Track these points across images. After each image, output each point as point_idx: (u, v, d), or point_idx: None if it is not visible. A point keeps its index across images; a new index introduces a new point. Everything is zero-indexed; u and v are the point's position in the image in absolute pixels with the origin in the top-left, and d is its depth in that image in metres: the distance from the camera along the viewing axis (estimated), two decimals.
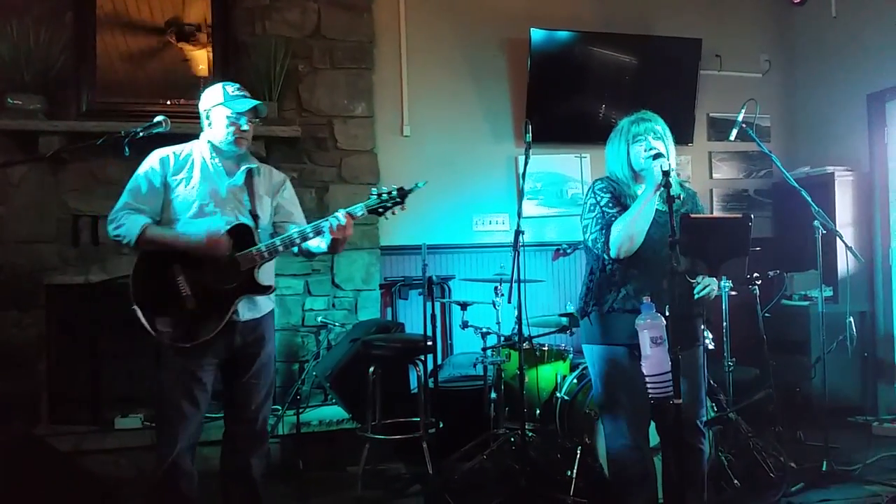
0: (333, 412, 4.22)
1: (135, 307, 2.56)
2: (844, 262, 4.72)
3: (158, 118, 2.59)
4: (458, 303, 4.10)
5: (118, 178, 4.11)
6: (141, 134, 2.58)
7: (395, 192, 2.73)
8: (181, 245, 2.60)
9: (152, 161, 2.71)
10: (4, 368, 3.99)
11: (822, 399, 3.87)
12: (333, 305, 4.61)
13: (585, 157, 5.26)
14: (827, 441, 3.70)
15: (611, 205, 2.65)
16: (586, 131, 5.19)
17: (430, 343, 3.76)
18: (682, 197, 2.68)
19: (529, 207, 5.07)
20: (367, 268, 4.64)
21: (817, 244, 3.80)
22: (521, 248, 3.44)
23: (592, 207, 2.68)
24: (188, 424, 2.64)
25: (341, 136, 4.67)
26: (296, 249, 2.80)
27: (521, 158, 3.59)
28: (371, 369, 3.75)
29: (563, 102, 5.06)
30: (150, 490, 2.68)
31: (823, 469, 3.63)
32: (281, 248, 2.69)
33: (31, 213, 4.11)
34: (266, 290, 2.73)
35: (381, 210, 2.73)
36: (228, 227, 2.64)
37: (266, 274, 2.75)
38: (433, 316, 3.73)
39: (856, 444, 4.05)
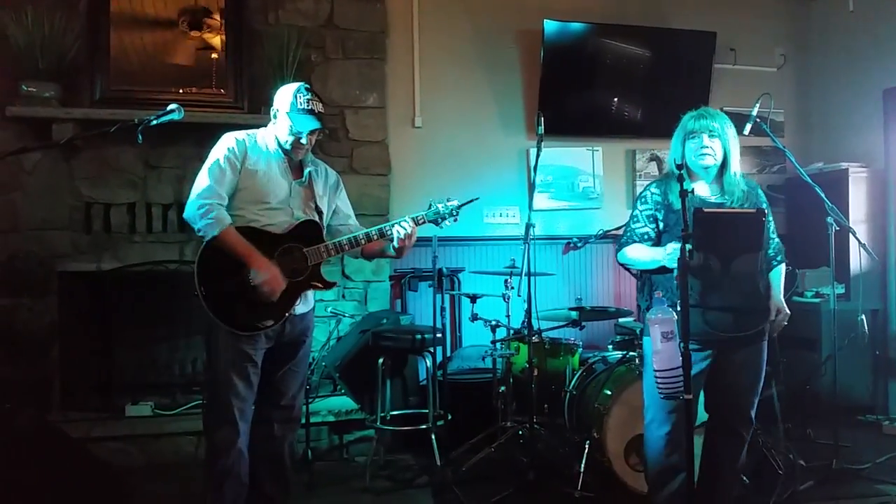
0: (342, 402, 4.24)
1: (197, 294, 2.57)
2: (857, 259, 4.70)
3: (172, 106, 2.58)
4: (467, 295, 4.10)
5: (131, 166, 4.21)
6: (154, 122, 2.57)
7: (453, 206, 2.91)
8: (249, 262, 2.60)
9: (231, 144, 2.71)
10: (17, 355, 4.02)
11: (832, 397, 3.86)
12: (343, 296, 4.61)
13: (598, 151, 5.24)
14: (837, 439, 3.68)
15: (642, 223, 2.79)
16: (599, 124, 5.19)
17: (439, 335, 3.77)
18: (744, 191, 2.76)
19: (540, 200, 5.05)
20: (376, 259, 4.63)
21: (830, 241, 3.77)
22: (532, 241, 3.44)
23: (631, 216, 2.87)
24: (245, 408, 2.68)
25: (353, 126, 4.67)
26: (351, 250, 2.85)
27: (533, 151, 3.60)
28: (380, 360, 3.76)
29: (575, 95, 5.05)
30: (210, 477, 2.65)
31: (833, 467, 3.62)
32: (347, 247, 2.78)
33: (45, 201, 4.13)
34: (330, 284, 2.83)
35: (438, 220, 2.91)
36: (298, 222, 2.74)
37: None
38: (443, 308, 3.74)
39: (866, 443, 4.03)
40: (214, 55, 4.50)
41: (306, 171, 2.83)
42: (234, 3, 4.45)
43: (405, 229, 2.76)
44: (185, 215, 2.68)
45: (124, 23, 4.31)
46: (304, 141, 2.73)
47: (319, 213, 2.83)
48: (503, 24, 5.09)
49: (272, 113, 2.78)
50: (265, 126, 2.84)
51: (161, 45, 4.42)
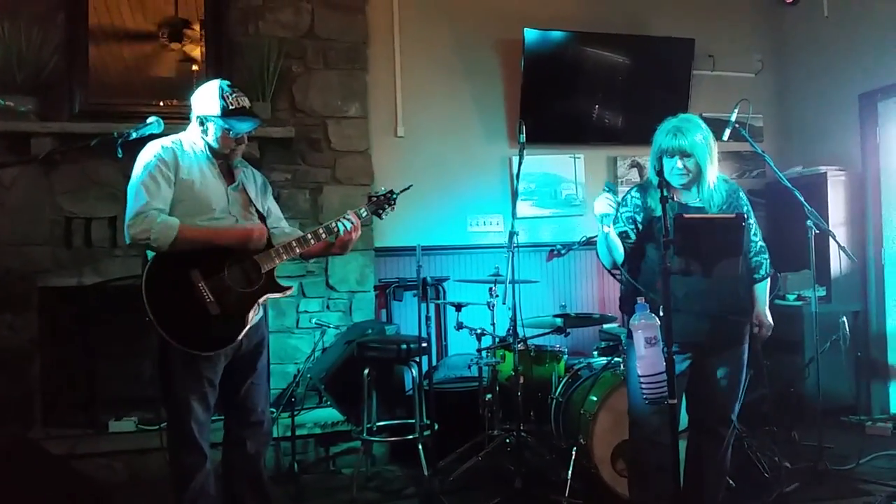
0: (328, 414, 4.21)
1: (150, 318, 2.46)
2: (837, 262, 4.78)
3: (151, 119, 2.56)
4: (452, 304, 4.10)
5: (111, 180, 4.17)
6: (134, 135, 2.55)
7: (390, 194, 2.92)
8: (222, 241, 2.55)
9: (158, 151, 2.58)
10: None
11: (815, 399, 3.88)
12: (328, 307, 4.60)
13: (579, 158, 5.27)
14: (821, 441, 3.71)
15: (621, 223, 2.81)
16: (580, 132, 5.22)
17: (424, 344, 3.76)
18: (723, 196, 2.79)
19: (524, 208, 5.07)
20: (361, 269, 4.63)
21: (810, 244, 3.80)
22: (516, 249, 3.45)
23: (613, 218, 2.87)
24: (204, 430, 2.63)
25: (335, 136, 4.66)
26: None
27: (516, 159, 3.61)
28: (366, 371, 3.75)
29: (556, 103, 5.07)
30: (181, 500, 2.61)
31: (818, 468, 3.64)
32: (297, 249, 2.71)
33: (24, 216, 4.09)
34: (286, 289, 2.76)
35: (379, 211, 2.90)
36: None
37: None
38: (428, 317, 3.73)
39: (849, 444, 4.06)
40: (195, 67, 4.48)
41: (238, 175, 2.76)
42: (214, 14, 4.44)
43: (351, 222, 2.76)
44: (127, 239, 2.52)
45: (103, 35, 4.29)
46: (242, 140, 2.68)
47: (261, 216, 2.77)
48: (484, 34, 5.11)
49: (197, 119, 2.66)
50: (185, 130, 2.72)
51: (141, 58, 4.41)
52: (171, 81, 4.44)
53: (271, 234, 2.80)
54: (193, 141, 2.69)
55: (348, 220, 2.76)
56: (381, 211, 2.91)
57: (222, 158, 2.71)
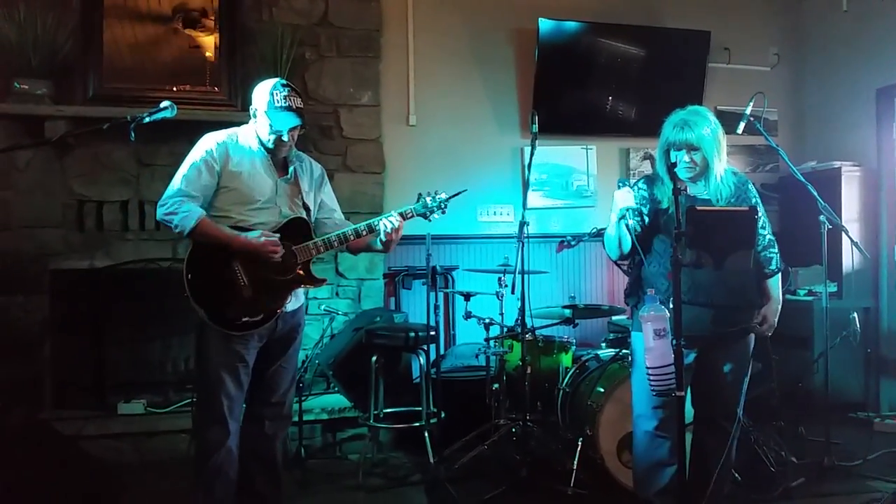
0: (336, 400, 4.23)
1: (188, 294, 2.58)
2: (850, 258, 4.73)
3: (164, 104, 2.60)
4: (461, 293, 4.10)
5: (124, 164, 4.20)
6: (147, 119, 2.59)
7: (441, 199, 2.90)
8: (237, 245, 2.62)
9: (209, 146, 2.70)
10: (9, 353, 4.00)
11: (824, 394, 3.87)
12: (337, 294, 4.61)
13: (592, 149, 5.25)
14: (828, 436, 3.70)
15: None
16: (593, 123, 5.20)
17: (433, 333, 3.77)
18: (731, 188, 2.76)
19: (534, 199, 5.06)
20: (370, 257, 4.63)
21: (823, 239, 3.78)
22: (526, 240, 3.45)
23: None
24: (235, 407, 2.69)
25: (347, 124, 4.66)
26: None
27: (527, 149, 3.60)
28: (373, 358, 3.76)
29: (570, 93, 5.05)
30: (200, 475, 2.68)
31: (825, 464, 3.63)
32: (336, 244, 2.78)
33: (37, 198, 4.12)
34: (320, 281, 2.84)
35: (427, 214, 2.90)
36: (286, 220, 2.73)
37: None
38: (436, 306, 3.74)
39: (857, 440, 4.04)
40: (208, 53, 4.48)
41: (291, 167, 2.82)
42: (229, 0, 4.43)
43: (393, 224, 2.76)
44: (157, 217, 2.68)
45: (118, 19, 4.29)
46: (285, 138, 2.72)
47: (307, 209, 2.83)
48: (498, 23, 5.09)
49: (251, 111, 2.75)
50: (247, 123, 2.80)
51: (154, 43, 4.41)
52: (185, 67, 4.44)
53: (319, 224, 2.90)
54: (249, 134, 2.77)
55: (391, 221, 2.77)
56: (428, 213, 2.90)
57: (271, 152, 2.76)
